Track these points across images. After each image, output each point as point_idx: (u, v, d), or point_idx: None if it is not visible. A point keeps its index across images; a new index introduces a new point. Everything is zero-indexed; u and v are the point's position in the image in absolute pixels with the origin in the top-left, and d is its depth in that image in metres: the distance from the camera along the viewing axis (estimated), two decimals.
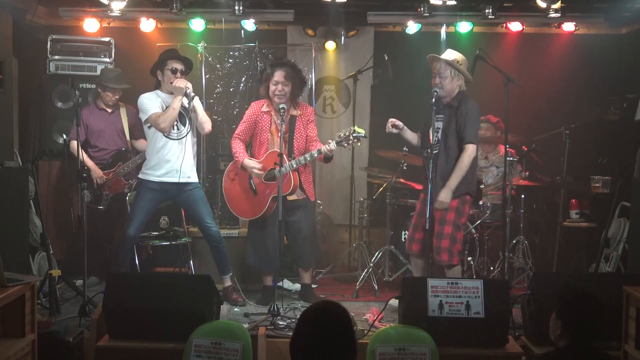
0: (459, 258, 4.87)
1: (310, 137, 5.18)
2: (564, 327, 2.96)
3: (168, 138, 5.05)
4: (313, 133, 5.21)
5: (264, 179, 5.11)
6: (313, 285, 5.61)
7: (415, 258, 5.04)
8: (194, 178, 5.19)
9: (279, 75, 5.06)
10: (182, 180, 5.08)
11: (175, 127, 5.06)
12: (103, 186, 5.76)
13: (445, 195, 4.67)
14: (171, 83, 5.01)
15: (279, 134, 5.05)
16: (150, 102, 5.04)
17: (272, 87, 5.06)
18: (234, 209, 5.30)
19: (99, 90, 5.90)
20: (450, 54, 4.84)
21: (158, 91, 5.14)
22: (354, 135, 4.86)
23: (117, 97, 5.90)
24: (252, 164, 5.12)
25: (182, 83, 4.97)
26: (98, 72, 6.22)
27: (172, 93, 5.03)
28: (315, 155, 4.98)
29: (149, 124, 5.06)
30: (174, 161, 5.05)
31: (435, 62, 4.83)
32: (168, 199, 5.28)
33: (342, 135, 4.91)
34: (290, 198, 5.12)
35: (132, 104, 5.62)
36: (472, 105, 4.76)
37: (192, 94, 5.01)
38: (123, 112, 5.96)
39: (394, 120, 4.96)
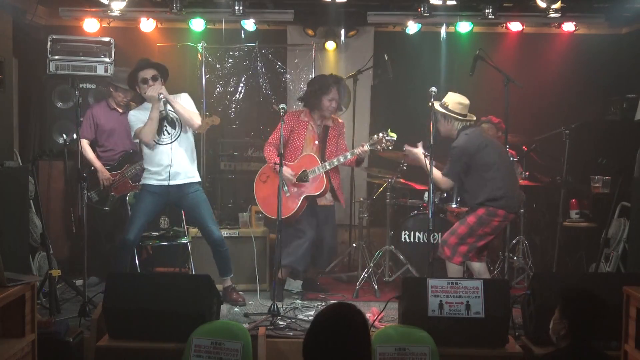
0: (462, 260, 4.89)
1: (340, 147, 5.51)
2: (569, 326, 2.96)
3: (159, 144, 5.01)
4: (343, 144, 5.56)
5: (297, 180, 5.30)
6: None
7: (471, 263, 5.04)
8: (196, 177, 5.16)
9: (334, 92, 5.38)
10: (186, 181, 5.07)
11: (165, 132, 5.03)
12: (109, 187, 5.74)
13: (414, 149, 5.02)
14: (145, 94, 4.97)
15: (316, 142, 5.39)
16: (135, 119, 5.03)
17: (327, 102, 5.35)
18: (264, 208, 5.43)
19: (111, 89, 5.88)
20: (446, 98, 4.94)
21: (145, 103, 5.06)
22: (386, 138, 5.12)
23: (128, 98, 5.87)
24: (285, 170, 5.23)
25: (153, 91, 4.89)
26: (98, 72, 6.23)
27: None
28: (349, 156, 5.27)
29: (137, 140, 5.08)
30: (173, 164, 5.01)
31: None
32: (170, 203, 5.24)
33: (375, 138, 5.17)
34: (320, 203, 5.42)
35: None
36: (452, 145, 4.90)
37: (163, 98, 4.90)
38: None
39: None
